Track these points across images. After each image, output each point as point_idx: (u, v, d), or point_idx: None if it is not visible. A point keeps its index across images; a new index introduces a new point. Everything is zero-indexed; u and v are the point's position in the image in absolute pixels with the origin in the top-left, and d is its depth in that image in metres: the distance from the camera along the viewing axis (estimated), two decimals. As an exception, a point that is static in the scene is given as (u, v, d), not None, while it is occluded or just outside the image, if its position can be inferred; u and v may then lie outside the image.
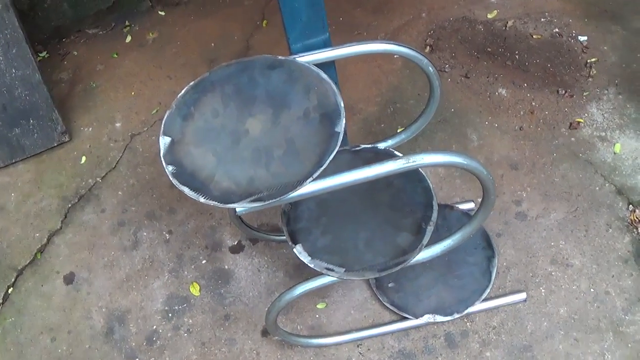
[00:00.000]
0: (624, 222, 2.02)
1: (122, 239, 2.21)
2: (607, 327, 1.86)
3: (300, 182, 1.27)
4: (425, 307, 1.92)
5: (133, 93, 2.61)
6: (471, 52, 2.51)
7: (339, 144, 1.32)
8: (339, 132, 1.33)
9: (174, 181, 1.33)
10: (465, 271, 1.95)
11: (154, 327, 2.02)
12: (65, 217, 2.29)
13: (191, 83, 1.49)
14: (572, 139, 2.22)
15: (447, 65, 2.48)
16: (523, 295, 1.92)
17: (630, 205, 2.05)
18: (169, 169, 1.35)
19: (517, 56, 2.46)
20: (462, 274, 1.95)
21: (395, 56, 2.51)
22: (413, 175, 1.72)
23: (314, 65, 1.49)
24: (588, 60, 2.41)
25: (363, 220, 1.67)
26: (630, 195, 2.07)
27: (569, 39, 2.52)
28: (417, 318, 1.90)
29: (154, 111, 2.52)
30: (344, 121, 1.35)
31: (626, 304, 1.88)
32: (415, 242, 1.59)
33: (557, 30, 2.56)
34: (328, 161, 1.29)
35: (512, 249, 2.02)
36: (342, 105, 1.38)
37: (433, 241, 1.63)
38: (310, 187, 1.29)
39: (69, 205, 2.31)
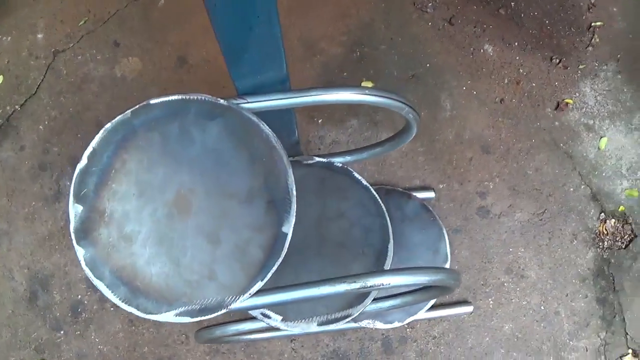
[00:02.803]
0: (592, 233, 1.88)
1: (44, 186, 1.97)
2: (550, 350, 1.81)
3: (234, 298, 1.08)
4: (366, 311, 1.83)
5: (59, -6, 2.17)
6: (461, -10, 2.12)
7: (283, 252, 1.10)
8: (287, 234, 1.10)
9: (88, 273, 1.11)
10: (414, 276, 1.84)
11: (79, 296, 1.89)
12: (-19, 152, 2.01)
13: (107, 126, 1.18)
14: (556, 122, 1.98)
15: (431, 4, 2.10)
16: (470, 309, 1.83)
17: (602, 214, 1.89)
18: (81, 253, 1.12)
19: (512, 3, 2.10)
20: (409, 278, 1.84)
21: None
22: (371, 207, 1.52)
23: (268, 111, 1.21)
24: (592, 24, 2.06)
25: (307, 257, 1.50)
26: (604, 203, 1.91)
27: (576, -9, 2.13)
28: (355, 322, 1.82)
29: (82, 22, 2.12)
30: (293, 218, 1.12)
31: (574, 328, 1.82)
32: (363, 294, 1.45)
33: (565, -24, 2.15)
34: (269, 276, 1.09)
35: (468, 251, 1.89)
36: (294, 192, 1.13)
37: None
38: (245, 303, 1.11)
39: (-16, 139, 2.02)
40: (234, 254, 1.12)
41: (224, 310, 1.08)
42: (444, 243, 1.84)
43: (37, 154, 1.99)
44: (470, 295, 1.85)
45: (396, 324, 1.81)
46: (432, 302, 1.80)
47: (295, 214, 1.11)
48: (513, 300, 1.85)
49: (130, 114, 1.18)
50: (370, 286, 1.11)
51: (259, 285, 1.08)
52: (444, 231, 1.84)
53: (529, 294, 1.85)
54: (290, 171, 1.13)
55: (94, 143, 1.17)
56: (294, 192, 1.12)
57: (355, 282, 1.11)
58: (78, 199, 1.14)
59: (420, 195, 1.90)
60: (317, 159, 1.54)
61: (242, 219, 1.13)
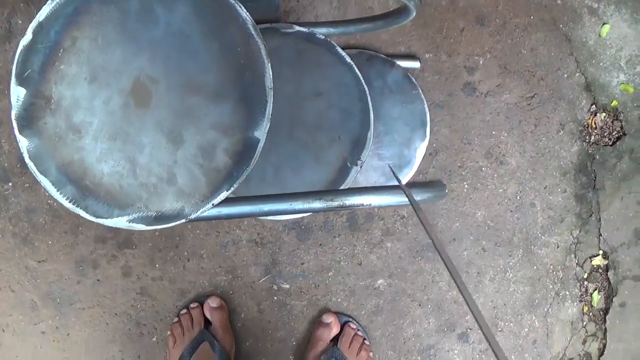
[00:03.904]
0: (580, 125, 1.79)
1: (-8, 24, 1.75)
2: (520, 243, 1.79)
3: (195, 207, 1.00)
4: (336, 189, 1.76)
5: None
6: None
7: (253, 160, 0.99)
8: (259, 140, 0.99)
9: (32, 167, 1.00)
10: (388, 152, 1.75)
11: (29, 145, 1.76)
12: None
13: (57, -7, 1.00)
14: (559, 1, 1.79)
15: None
16: (444, 192, 1.78)
17: (593, 107, 1.79)
18: (24, 144, 1.00)
19: None
20: (383, 154, 1.75)
21: None
22: (353, 89, 1.39)
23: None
24: None
25: (277, 140, 1.39)
26: (597, 95, 1.79)
27: None
28: (323, 195, 1.75)
29: None
30: (268, 122, 1.00)
31: (547, 222, 1.79)
32: (334, 183, 1.38)
33: None
34: (235, 186, 0.99)
35: (448, 129, 1.79)
36: (272, 92, 0.99)
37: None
38: (207, 213, 1.02)
39: None
40: (197, 158, 1.00)
41: (182, 221, 0.99)
42: (424, 119, 1.73)
43: (-17, -16, 1.75)
44: (445, 177, 1.79)
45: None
46: (406, 179, 1.75)
47: (270, 117, 0.99)
48: (489, 187, 1.79)
49: (83, -19, 1.00)
50: (348, 205, 1.03)
51: (223, 195, 0.97)
52: (426, 106, 1.73)
53: (507, 182, 1.80)
54: (268, 66, 0.99)
55: (40, 16, 0.99)
56: (272, 93, 0.98)
57: (332, 200, 1.03)
58: (21, 81, 0.99)
59: (404, 64, 1.75)
60: (298, 27, 1.38)
61: (208, 118, 1.00)
